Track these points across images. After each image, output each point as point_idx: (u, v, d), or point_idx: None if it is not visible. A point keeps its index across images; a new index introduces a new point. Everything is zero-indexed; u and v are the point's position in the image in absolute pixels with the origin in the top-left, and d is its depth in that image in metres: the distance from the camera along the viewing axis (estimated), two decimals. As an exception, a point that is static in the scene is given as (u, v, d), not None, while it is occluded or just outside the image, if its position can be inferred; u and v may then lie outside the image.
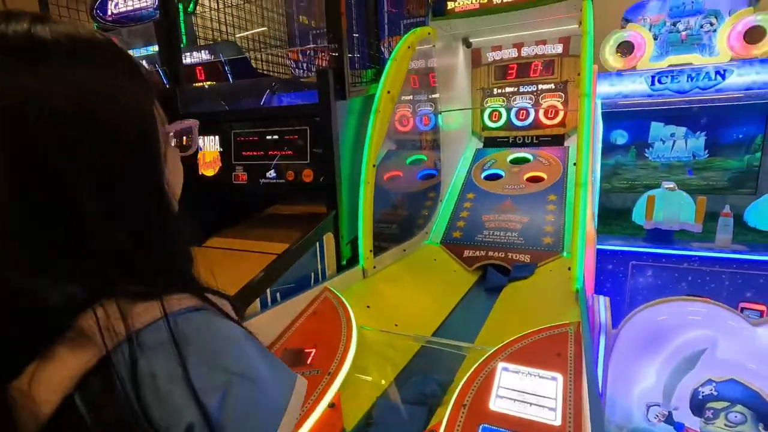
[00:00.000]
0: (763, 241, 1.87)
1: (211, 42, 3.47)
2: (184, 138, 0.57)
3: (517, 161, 3.01)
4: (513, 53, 3.21)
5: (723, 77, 2.52)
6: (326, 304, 1.44)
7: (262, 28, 3.57)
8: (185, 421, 0.37)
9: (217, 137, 1.88)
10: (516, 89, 3.27)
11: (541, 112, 3.20)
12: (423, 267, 2.26)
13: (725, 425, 1.13)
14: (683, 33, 2.68)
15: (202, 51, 3.37)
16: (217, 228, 2.30)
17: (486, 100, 3.35)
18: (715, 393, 1.14)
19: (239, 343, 0.45)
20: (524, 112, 3.25)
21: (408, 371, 1.33)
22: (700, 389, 1.15)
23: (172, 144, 0.53)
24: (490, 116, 3.34)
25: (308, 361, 1.16)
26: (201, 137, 1.98)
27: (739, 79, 2.49)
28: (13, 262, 0.37)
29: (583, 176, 1.44)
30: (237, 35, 3.41)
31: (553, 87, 3.14)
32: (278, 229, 2.04)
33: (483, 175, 3.04)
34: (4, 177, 0.36)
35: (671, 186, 1.97)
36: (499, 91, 3.32)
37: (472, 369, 1.07)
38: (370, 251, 1.83)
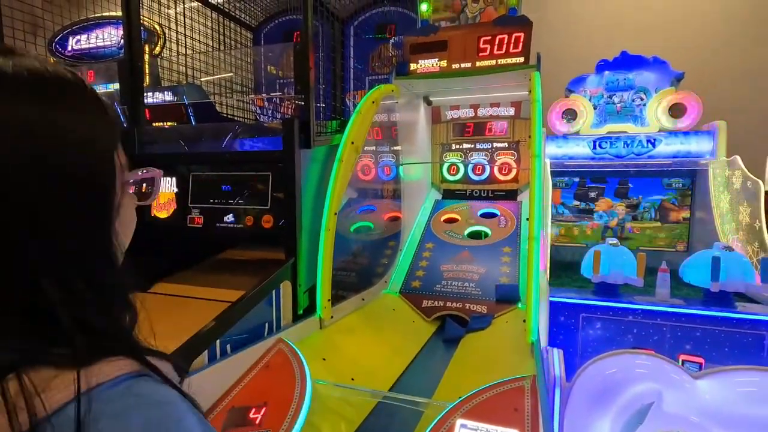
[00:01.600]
0: (696, 296, 2.01)
1: (175, 84, 3.47)
2: (144, 186, 0.54)
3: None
4: (470, 113, 3.44)
5: (654, 145, 2.81)
6: (280, 357, 1.37)
7: (229, 74, 3.61)
8: None
9: (173, 179, 1.83)
10: (473, 146, 3.47)
11: (496, 168, 3.39)
12: (382, 317, 2.23)
13: (675, 480, 1.15)
14: (618, 105, 3.00)
15: (165, 92, 3.35)
16: (168, 273, 2.17)
17: (445, 154, 3.52)
18: (665, 447, 1.16)
19: (181, 419, 0.39)
20: (480, 167, 3.43)
21: (364, 429, 1.26)
22: (650, 443, 1.17)
23: (130, 191, 0.50)
24: (448, 169, 3.49)
25: (257, 421, 1.08)
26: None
27: (666, 147, 2.79)
28: None
29: (536, 231, 1.51)
30: (202, 79, 3.43)
31: (507, 146, 3.36)
32: (231, 275, 1.96)
33: (443, 218, 3.14)
34: None
35: (615, 242, 2.10)
36: (457, 146, 3.50)
37: (431, 426, 1.03)
38: (328, 300, 1.79)
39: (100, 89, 3.49)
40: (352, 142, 1.92)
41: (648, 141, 2.81)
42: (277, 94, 2.62)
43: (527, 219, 1.63)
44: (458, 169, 3.48)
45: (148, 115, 3.03)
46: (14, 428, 0.32)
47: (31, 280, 0.36)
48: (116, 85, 2.99)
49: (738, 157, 2.45)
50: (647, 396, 1.18)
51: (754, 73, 3.39)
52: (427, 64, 2.68)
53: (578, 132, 3.02)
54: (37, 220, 0.37)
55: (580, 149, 2.96)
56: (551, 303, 2.02)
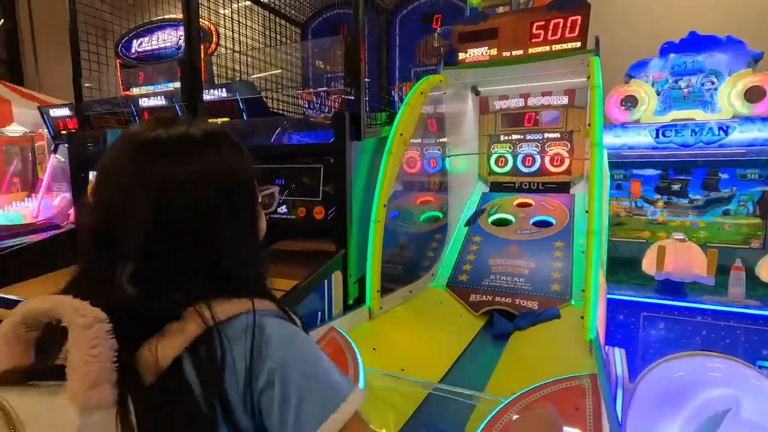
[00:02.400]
0: (774, 297, 1.84)
1: (228, 81, 3.61)
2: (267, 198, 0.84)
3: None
4: (520, 102, 3.32)
5: (726, 133, 2.58)
6: (332, 345, 1.40)
7: (278, 70, 3.71)
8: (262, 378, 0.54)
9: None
10: (522, 137, 3.35)
11: (547, 160, 3.26)
12: (429, 309, 2.22)
13: (754, 494, 1.06)
14: (685, 90, 2.77)
15: (219, 89, 3.50)
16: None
17: (493, 146, 3.42)
18: (742, 457, 1.08)
19: (310, 342, 0.60)
20: (530, 158, 3.31)
21: (415, 420, 1.26)
22: (725, 452, 1.09)
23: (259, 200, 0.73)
24: (496, 161, 3.40)
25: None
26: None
27: (741, 135, 2.55)
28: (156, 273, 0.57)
29: (596, 224, 1.44)
30: (253, 76, 3.55)
31: (559, 136, 3.22)
32: (284, 265, 2.02)
33: (490, 220, 3.06)
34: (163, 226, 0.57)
35: (681, 237, 1.96)
36: (506, 137, 3.40)
37: (486, 421, 1.02)
38: (378, 291, 1.81)
39: (151, 89, 3.70)
40: (401, 134, 1.91)
41: (720, 128, 2.59)
42: (326, 88, 2.66)
43: (586, 211, 1.55)
44: (506, 161, 3.38)
45: (214, 112, 3.19)
46: (205, 322, 0.54)
47: (215, 255, 0.60)
48: (177, 84, 3.16)
49: (828, 145, 2.20)
50: (722, 402, 1.09)
51: None
52: (476, 52, 2.61)
53: (638, 120, 2.83)
54: (220, 221, 0.60)
55: (641, 138, 2.78)
56: (609, 300, 1.92)
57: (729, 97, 2.61)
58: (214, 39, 4.24)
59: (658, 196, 2.73)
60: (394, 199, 3.21)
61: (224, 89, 3.45)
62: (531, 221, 2.91)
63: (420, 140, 3.43)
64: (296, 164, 1.78)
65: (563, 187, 3.17)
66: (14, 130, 5.00)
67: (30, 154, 5.41)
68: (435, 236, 2.98)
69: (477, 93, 3.18)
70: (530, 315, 2.19)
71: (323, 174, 1.68)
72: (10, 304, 1.66)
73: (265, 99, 3.28)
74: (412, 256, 2.74)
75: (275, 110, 3.25)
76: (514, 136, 3.37)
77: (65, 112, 4.27)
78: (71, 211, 4.24)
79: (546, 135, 3.27)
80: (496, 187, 3.43)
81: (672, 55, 2.78)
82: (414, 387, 1.33)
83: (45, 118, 4.45)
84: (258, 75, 3.56)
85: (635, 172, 2.79)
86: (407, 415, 1.26)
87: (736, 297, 1.79)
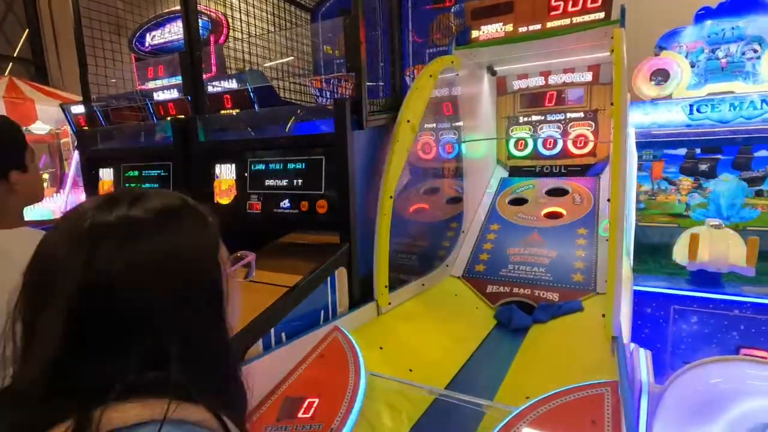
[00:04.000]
0: (826, 288, 1.66)
1: (237, 71, 3.56)
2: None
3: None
4: (540, 81, 3.13)
5: (770, 106, 2.34)
6: (335, 346, 1.34)
7: (289, 58, 3.63)
8: None
9: (233, 165, 1.86)
10: (543, 117, 3.17)
11: (569, 141, 3.07)
12: (443, 303, 2.14)
13: None
14: (723, 60, 2.53)
15: (229, 80, 3.45)
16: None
17: (512, 128, 3.26)
18: (785, 476, 0.96)
19: None
20: (551, 141, 3.14)
21: (421, 427, 1.20)
22: (765, 470, 0.97)
23: (235, 278, 0.63)
24: (515, 145, 3.23)
25: (310, 414, 1.06)
26: (218, 165, 1.96)
27: (788, 108, 2.31)
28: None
29: (618, 212, 1.31)
30: (264, 65, 3.48)
31: (583, 115, 3.02)
32: (292, 259, 1.97)
33: (508, 200, 2.93)
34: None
35: (717, 223, 1.79)
36: (525, 119, 3.22)
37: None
38: (386, 287, 1.73)
39: (165, 82, 3.68)
40: (408, 121, 1.81)
41: (763, 101, 2.35)
42: (328, 74, 2.56)
43: (608, 200, 1.42)
44: (526, 144, 3.21)
45: (226, 102, 3.15)
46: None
47: (157, 344, 0.49)
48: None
49: None
50: (763, 414, 0.97)
51: None
52: (490, 30, 2.45)
53: (671, 95, 2.61)
54: (169, 318, 0.51)
55: (673, 115, 2.56)
56: (635, 292, 1.79)
57: (774, 66, 2.37)
58: (225, 28, 4.20)
59: (684, 177, 2.51)
60: (410, 186, 3.13)
61: (234, 80, 3.41)
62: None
63: (434, 125, 3.30)
64: (299, 156, 1.71)
65: (588, 170, 3.00)
66: (39, 127, 5.14)
67: (57, 150, 5.58)
68: (451, 225, 2.87)
69: (493, 73, 3.01)
70: (550, 307, 2.08)
71: (325, 166, 1.60)
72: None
73: (277, 88, 3.21)
74: (426, 246, 2.65)
75: (287, 99, 3.18)
76: (534, 118, 3.19)
77: (84, 109, 4.35)
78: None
79: (569, 115, 3.08)
80: (516, 172, 3.27)
81: (708, 22, 2.53)
82: (421, 392, 1.26)
83: (67, 115, 4.54)
84: (269, 64, 3.49)
85: (665, 152, 2.58)
86: (413, 422, 1.20)
87: (779, 288, 1.63)
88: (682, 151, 2.47)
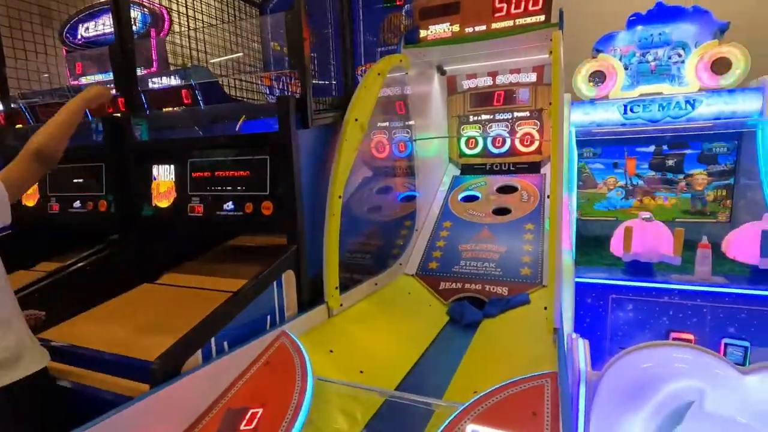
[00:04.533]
0: (742, 273, 1.82)
1: (179, 67, 3.38)
2: None
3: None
4: (488, 81, 3.21)
5: (693, 107, 2.54)
6: (281, 353, 1.30)
7: (237, 54, 3.50)
8: None
9: (171, 166, 1.76)
10: (492, 117, 3.26)
11: (517, 140, 3.18)
12: (396, 301, 2.14)
13: (718, 487, 1.02)
14: (652, 63, 2.71)
15: (172, 75, 3.28)
16: (177, 261, 2.14)
17: (462, 127, 3.32)
18: (706, 451, 1.03)
19: None
20: (500, 139, 3.23)
21: (372, 429, 1.18)
22: (689, 446, 1.04)
23: None
24: (466, 143, 3.30)
25: (253, 425, 1.02)
26: (156, 166, 1.85)
27: (708, 108, 2.51)
28: None
29: (557, 209, 1.36)
30: (210, 60, 3.33)
31: (529, 115, 3.14)
32: (241, 263, 1.90)
33: (460, 197, 2.98)
34: None
35: (648, 216, 1.91)
36: (475, 118, 3.30)
37: (440, 430, 0.94)
38: (336, 288, 1.70)
39: (100, 78, 3.44)
40: (356, 119, 1.79)
41: (686, 102, 2.54)
42: (274, 71, 2.49)
43: (548, 196, 1.47)
44: (477, 142, 3.29)
45: (154, 101, 2.97)
46: None
47: None
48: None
49: (792, 116, 2.17)
50: (687, 394, 1.04)
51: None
52: (438, 29, 2.48)
53: (607, 96, 2.77)
54: None
55: (610, 115, 2.71)
56: (577, 284, 1.87)
57: (696, 69, 2.56)
58: (166, 22, 3.97)
59: (653, 173, 2.69)
60: (364, 185, 3.11)
61: (177, 75, 3.24)
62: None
63: (387, 124, 3.30)
64: (242, 156, 1.64)
65: (535, 168, 3.11)
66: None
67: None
68: (404, 223, 2.89)
69: (443, 72, 3.05)
70: (500, 302, 2.13)
71: (270, 166, 1.55)
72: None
73: (224, 86, 3.08)
74: (380, 245, 2.65)
75: (236, 98, 3.06)
76: (484, 117, 3.27)
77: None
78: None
79: (516, 114, 3.19)
80: (468, 170, 3.34)
81: (639, 28, 2.70)
82: (371, 394, 1.25)
83: (-14, 112, 4.12)
84: (215, 60, 3.35)
85: (637, 149, 2.73)
86: (362, 424, 1.18)
87: (702, 275, 1.76)
88: (651, 148, 2.63)
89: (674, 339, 1.67)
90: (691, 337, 1.76)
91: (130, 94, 1.87)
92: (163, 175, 1.78)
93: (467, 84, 3.23)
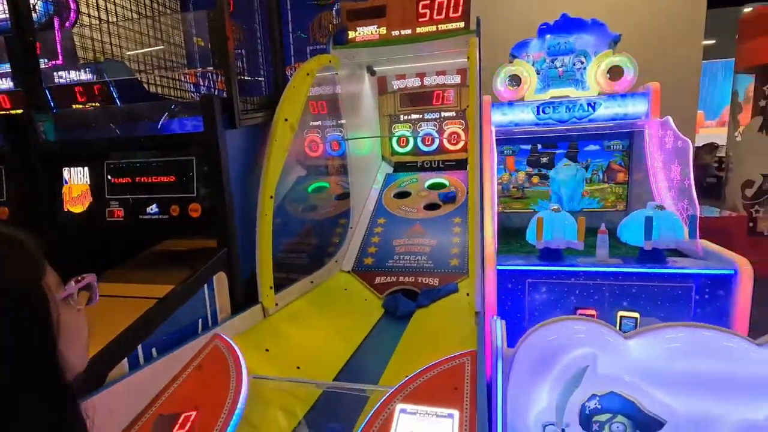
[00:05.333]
0: (632, 255, 2.10)
1: (91, 61, 3.13)
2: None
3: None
4: (416, 82, 3.34)
5: (594, 108, 2.85)
6: (215, 355, 1.29)
7: (157, 48, 3.31)
8: None
9: (85, 169, 1.65)
10: (421, 116, 3.40)
11: (445, 139, 3.36)
12: (332, 298, 2.18)
13: (609, 436, 1.20)
14: (560, 69, 3.00)
15: (83, 70, 3.02)
16: (98, 270, 1.99)
17: (393, 126, 3.43)
18: (599, 406, 1.21)
19: None
20: (429, 138, 3.39)
21: (309, 421, 1.22)
22: (586, 404, 1.21)
23: (72, 303, 0.56)
24: (398, 142, 3.42)
25: (186, 428, 1.01)
26: (68, 168, 1.72)
27: (606, 111, 2.83)
28: None
29: (475, 204, 1.49)
30: (127, 53, 3.12)
31: (455, 114, 3.32)
32: (165, 268, 1.82)
33: (393, 194, 3.09)
34: None
35: (556, 207, 2.14)
36: (406, 117, 3.42)
37: (371, 414, 1.01)
38: (271, 288, 1.71)
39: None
40: (286, 119, 1.80)
41: (588, 104, 2.85)
42: (197, 68, 2.42)
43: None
44: (408, 141, 3.42)
45: (61, 98, 2.72)
46: None
47: None
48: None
49: (670, 118, 2.53)
50: (584, 360, 1.21)
51: (686, 33, 3.51)
52: (366, 31, 2.55)
53: (523, 98, 3.01)
54: None
55: (525, 115, 2.96)
56: (499, 271, 2.04)
57: (595, 75, 2.88)
58: (72, 11, 3.65)
59: (530, 169, 2.99)
60: (298, 184, 3.10)
61: (89, 69, 2.99)
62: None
63: (320, 123, 3.32)
64: (166, 157, 1.58)
65: (462, 165, 3.30)
66: None
67: None
68: (339, 221, 2.93)
69: (372, 73, 3.13)
70: (431, 292, 2.26)
71: (196, 166, 1.51)
72: None
73: (145, 83, 2.90)
74: (315, 243, 2.67)
75: (160, 96, 2.89)
76: (414, 116, 3.41)
77: None
78: None
79: (443, 114, 3.36)
80: (400, 167, 3.46)
81: (548, 36, 2.97)
82: (307, 388, 1.28)
83: None
84: (130, 52, 3.13)
85: (522, 147, 2.99)
86: (299, 418, 1.22)
87: (601, 258, 2.01)
88: (528, 147, 2.90)
89: (580, 314, 1.89)
90: (593, 312, 2.00)
91: (32, 89, 1.72)
92: (77, 178, 1.66)
93: (397, 84, 3.35)
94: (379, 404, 1.04)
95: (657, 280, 1.94)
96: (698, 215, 2.07)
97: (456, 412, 0.98)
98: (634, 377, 1.19)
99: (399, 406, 1.02)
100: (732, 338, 1.13)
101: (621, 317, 1.96)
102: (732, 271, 1.85)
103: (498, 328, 1.39)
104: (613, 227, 2.20)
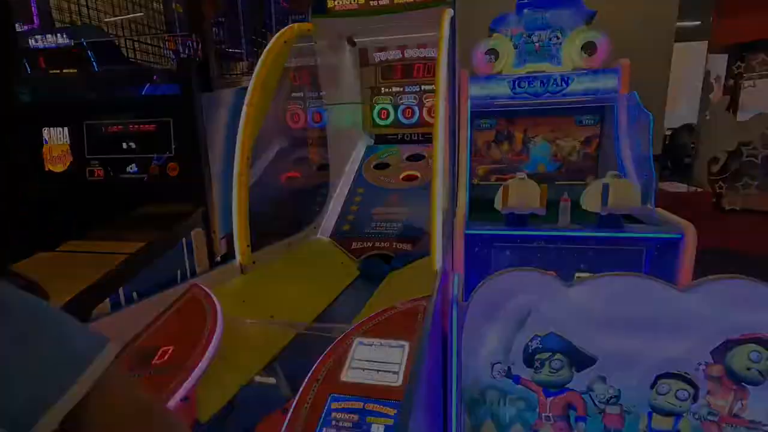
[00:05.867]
0: (592, 221, 2.23)
1: (70, 24, 3.11)
2: None
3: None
4: (398, 54, 3.38)
5: (567, 83, 2.94)
6: (192, 301, 1.39)
7: (136, 14, 3.29)
8: None
9: (65, 129, 1.70)
10: (402, 89, 3.45)
11: (425, 111, 3.42)
12: (309, 261, 2.29)
13: (549, 372, 1.35)
14: (537, 44, 3.07)
15: (59, 34, 3.00)
16: (79, 230, 2.06)
17: (375, 98, 3.48)
18: (540, 346, 1.35)
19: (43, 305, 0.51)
20: (410, 110, 3.45)
21: (280, 360, 1.34)
22: (529, 344, 1.35)
23: None
24: (379, 114, 3.48)
25: (164, 359, 1.12)
26: (47, 129, 1.77)
27: (579, 86, 2.93)
28: None
29: (438, 169, 1.59)
30: (105, 19, 3.10)
31: (434, 87, 3.37)
32: (148, 229, 1.90)
33: (373, 165, 3.17)
34: None
35: (522, 176, 2.25)
36: (387, 89, 3.47)
37: (330, 346, 1.13)
38: (248, 246, 1.80)
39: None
40: (261, 84, 1.85)
41: (562, 79, 2.94)
42: (174, 34, 2.44)
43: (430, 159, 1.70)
44: (389, 113, 3.48)
45: (41, 62, 2.71)
46: None
47: None
48: None
49: (635, 93, 2.64)
50: (529, 305, 1.34)
51: (660, 11, 3.59)
52: (344, 1, 2.57)
53: (501, 72, 3.08)
54: None
55: (501, 89, 3.04)
56: (468, 235, 2.16)
57: (570, 51, 2.96)
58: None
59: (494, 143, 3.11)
60: (280, 154, 3.16)
61: (64, 33, 2.97)
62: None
63: (302, 94, 3.35)
64: (144, 118, 1.64)
65: (440, 137, 3.38)
66: None
67: None
68: (320, 190, 3.02)
69: (353, 44, 3.16)
70: (405, 256, 2.38)
71: (173, 128, 1.58)
72: None
73: (122, 48, 2.90)
74: (296, 210, 2.76)
75: (138, 61, 2.90)
76: (394, 89, 3.46)
77: None
78: None
79: (423, 87, 3.42)
80: (381, 139, 3.53)
81: (526, 11, 3.03)
82: (280, 330, 1.40)
83: None
84: (109, 19, 3.11)
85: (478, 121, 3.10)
86: (271, 356, 1.33)
87: (563, 223, 2.14)
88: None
89: (539, 275, 2.04)
90: (553, 273, 2.14)
91: (8, 50, 1.74)
92: (56, 138, 1.71)
93: (378, 56, 3.38)
94: (340, 338, 1.16)
95: (612, 243, 2.08)
96: (654, 183, 2.21)
97: (407, 344, 1.10)
98: (573, 321, 1.33)
99: (357, 339, 1.14)
100: (656, 284, 1.27)
101: (578, 278, 2.11)
102: (679, 236, 2.00)
103: (455, 281, 1.51)
104: (575, 198, 2.34)
